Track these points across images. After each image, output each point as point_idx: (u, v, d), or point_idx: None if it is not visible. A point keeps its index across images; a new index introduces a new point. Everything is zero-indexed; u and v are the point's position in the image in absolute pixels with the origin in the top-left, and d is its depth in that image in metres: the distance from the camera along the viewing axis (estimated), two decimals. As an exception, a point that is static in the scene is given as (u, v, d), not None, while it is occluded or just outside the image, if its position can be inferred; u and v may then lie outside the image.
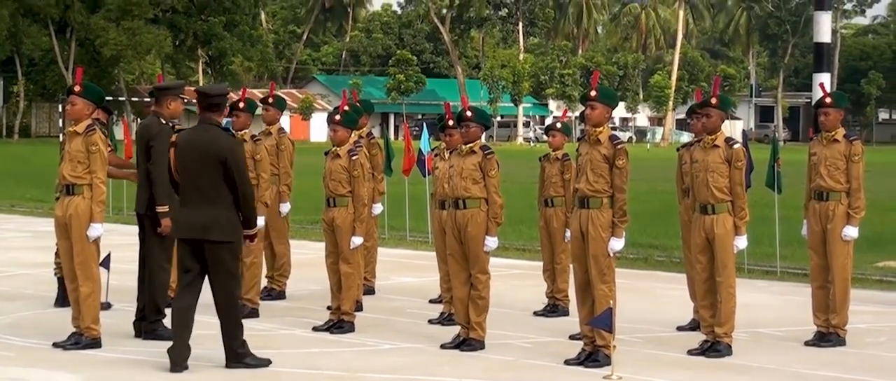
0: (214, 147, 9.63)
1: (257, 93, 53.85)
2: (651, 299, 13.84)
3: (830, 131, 11.05)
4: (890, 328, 12.04)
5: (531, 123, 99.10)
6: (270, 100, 13.37)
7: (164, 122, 10.94)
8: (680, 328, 11.75)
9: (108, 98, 23.59)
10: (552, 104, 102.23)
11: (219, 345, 9.79)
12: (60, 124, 60.35)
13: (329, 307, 11.88)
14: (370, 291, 13.63)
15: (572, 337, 10.92)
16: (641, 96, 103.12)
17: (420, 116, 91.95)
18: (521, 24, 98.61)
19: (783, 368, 9.98)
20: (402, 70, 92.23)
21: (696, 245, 10.56)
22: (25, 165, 44.81)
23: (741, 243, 10.43)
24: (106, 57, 79.22)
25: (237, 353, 9.71)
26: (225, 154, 9.61)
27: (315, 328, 11.54)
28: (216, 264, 9.67)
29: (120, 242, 16.13)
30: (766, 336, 11.42)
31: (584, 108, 10.13)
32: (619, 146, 9.90)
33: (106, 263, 11.87)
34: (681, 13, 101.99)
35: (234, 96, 12.56)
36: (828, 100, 11.06)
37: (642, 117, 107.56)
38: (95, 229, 10.26)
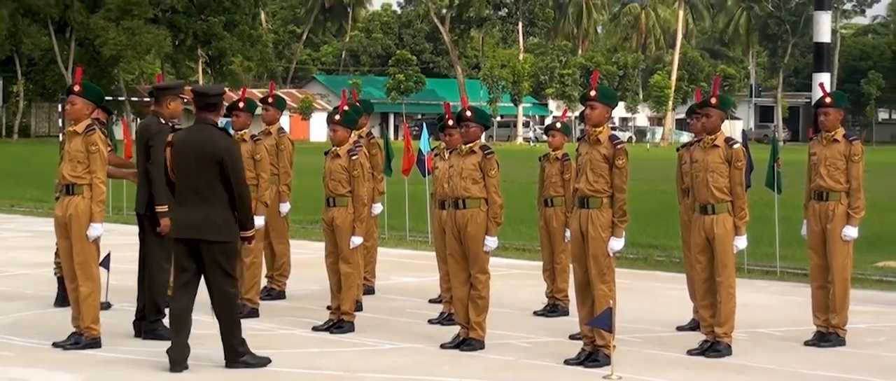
0: (211, 147, 9.62)
1: (257, 93, 53.82)
2: (651, 299, 13.84)
3: (830, 131, 11.05)
4: (889, 328, 12.04)
5: (531, 123, 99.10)
6: (270, 100, 13.37)
7: (163, 122, 10.94)
8: (680, 328, 11.75)
9: (107, 98, 23.63)
10: (552, 104, 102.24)
11: (218, 345, 9.79)
12: (60, 124, 60.35)
13: (329, 307, 11.88)
14: (370, 291, 13.63)
15: (572, 337, 10.92)
16: (641, 96, 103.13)
17: (420, 116, 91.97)
18: (520, 24, 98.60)
19: (783, 368, 9.98)
20: (401, 70, 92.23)
21: (695, 245, 10.56)
22: (25, 165, 44.80)
23: (741, 243, 10.42)
24: (105, 57, 79.22)
25: (236, 352, 9.71)
26: (221, 154, 9.60)
27: (315, 328, 11.54)
28: (213, 264, 9.66)
29: (120, 242, 16.13)
30: (766, 336, 11.42)
31: (583, 108, 10.13)
32: (618, 146, 9.90)
33: (106, 263, 11.87)
34: (680, 13, 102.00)
35: (233, 96, 12.57)
36: (827, 100, 11.06)
37: (642, 117, 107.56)
38: (95, 229, 10.26)
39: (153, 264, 11.00)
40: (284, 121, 36.76)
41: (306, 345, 10.86)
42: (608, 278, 9.94)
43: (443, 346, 10.69)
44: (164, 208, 10.69)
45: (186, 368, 9.55)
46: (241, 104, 12.54)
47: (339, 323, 11.46)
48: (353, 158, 11.44)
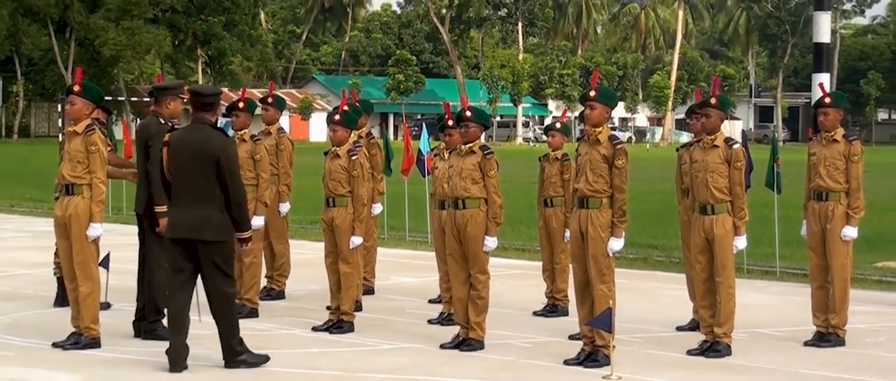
0: (207, 146, 9.62)
1: (257, 93, 53.82)
2: (650, 300, 13.84)
3: (830, 131, 11.05)
4: (889, 329, 12.04)
5: (530, 123, 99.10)
6: (270, 100, 13.37)
7: (163, 122, 10.93)
8: (679, 328, 11.75)
9: (107, 98, 23.61)
10: (551, 104, 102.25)
11: (218, 345, 9.78)
12: (60, 124, 60.34)
13: (328, 307, 11.88)
14: (369, 291, 13.62)
15: (572, 337, 10.92)
16: (641, 96, 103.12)
17: (419, 116, 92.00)
18: (520, 24, 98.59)
19: (782, 368, 9.98)
20: (401, 70, 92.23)
21: (695, 245, 10.56)
22: (25, 165, 44.80)
23: (740, 243, 10.43)
24: (105, 57, 79.25)
25: (235, 351, 9.71)
26: (218, 154, 9.60)
27: (314, 328, 11.54)
28: (209, 264, 9.66)
29: (119, 242, 16.13)
30: (766, 336, 11.42)
31: (583, 108, 10.13)
32: (618, 146, 9.91)
33: (105, 263, 11.87)
34: (680, 13, 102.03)
35: (233, 96, 12.56)
36: (827, 100, 11.06)
37: (642, 117, 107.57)
38: (95, 229, 10.26)
39: (153, 264, 10.99)
40: (284, 121, 36.74)
41: (306, 345, 10.86)
42: (608, 279, 9.95)
43: (442, 346, 10.69)
44: (164, 209, 10.67)
45: (186, 368, 9.55)
46: (240, 104, 12.54)
47: (338, 323, 11.46)
48: (353, 158, 11.44)
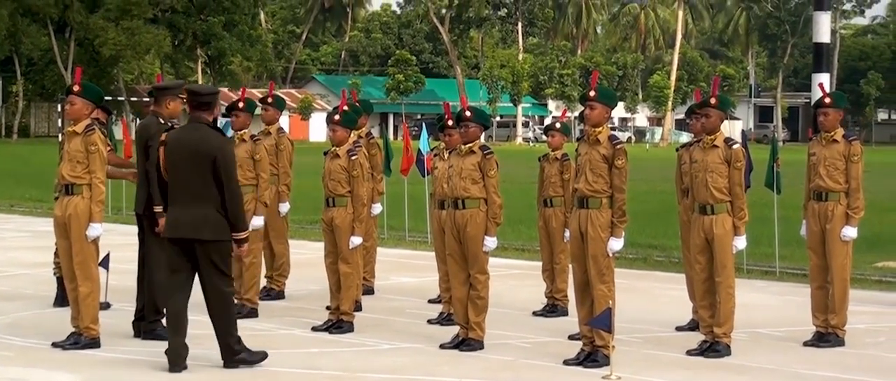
0: (205, 146, 9.62)
1: (256, 93, 53.85)
2: (650, 300, 13.84)
3: (829, 132, 11.05)
4: (889, 329, 12.04)
5: (530, 123, 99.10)
6: (269, 100, 13.37)
7: (162, 122, 10.93)
8: (679, 329, 11.75)
9: (107, 98, 23.62)
10: (551, 104, 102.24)
11: (217, 344, 9.78)
12: (59, 124, 60.35)
13: (328, 307, 11.88)
14: (369, 291, 13.62)
15: (571, 337, 10.92)
16: (640, 96, 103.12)
17: (419, 116, 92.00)
18: (520, 24, 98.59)
19: (782, 368, 9.98)
20: (401, 70, 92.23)
21: (695, 245, 10.56)
22: (25, 165, 44.80)
23: (740, 243, 10.42)
24: (105, 57, 79.24)
25: (233, 350, 9.71)
26: (215, 153, 9.59)
27: (314, 328, 11.54)
28: (207, 263, 9.65)
29: (119, 242, 16.14)
30: (765, 337, 11.42)
31: (583, 108, 10.13)
32: (618, 146, 9.91)
33: (105, 263, 11.87)
34: (680, 13, 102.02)
35: (233, 96, 12.55)
36: (827, 100, 11.07)
37: (641, 117, 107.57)
38: (94, 229, 10.26)
39: (152, 264, 10.99)
40: (284, 121, 36.70)
41: (305, 345, 10.86)
42: (607, 279, 9.95)
43: (442, 346, 10.69)
44: (161, 209, 10.68)
45: (185, 368, 9.55)
46: (240, 104, 12.54)
47: (338, 323, 11.46)
48: (353, 158, 11.44)
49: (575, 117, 52.81)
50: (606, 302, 9.77)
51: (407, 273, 15.94)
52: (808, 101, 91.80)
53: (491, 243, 10.57)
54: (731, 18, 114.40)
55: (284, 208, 13.36)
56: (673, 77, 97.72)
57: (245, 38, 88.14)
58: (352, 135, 11.95)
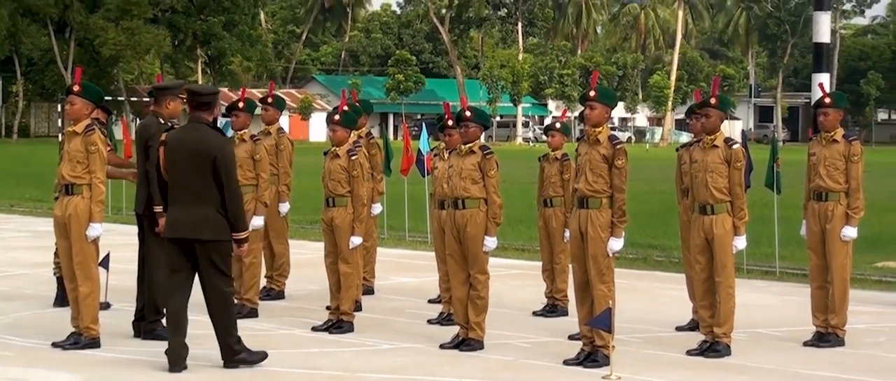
0: (205, 146, 9.62)
1: (256, 93, 53.84)
2: (650, 300, 13.84)
3: (829, 132, 11.05)
4: (889, 329, 12.04)
5: (530, 123, 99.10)
6: (269, 100, 13.37)
7: (162, 122, 10.93)
8: (679, 329, 11.75)
9: (107, 98, 23.61)
10: (551, 104, 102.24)
11: (217, 344, 9.78)
12: (59, 124, 60.37)
13: (328, 307, 11.88)
14: (369, 291, 13.62)
15: (571, 337, 10.92)
16: (640, 96, 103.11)
17: (419, 116, 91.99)
18: (520, 24, 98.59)
19: (782, 368, 9.98)
20: (401, 70, 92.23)
21: (695, 245, 10.56)
22: (25, 165, 44.80)
23: (740, 243, 10.42)
24: (105, 57, 79.24)
25: (233, 349, 9.71)
26: (215, 153, 9.59)
27: (314, 328, 11.54)
28: (207, 263, 9.65)
29: (119, 242, 16.14)
30: (765, 337, 11.42)
31: (583, 108, 10.13)
32: (618, 146, 9.91)
33: (105, 263, 11.87)
34: (680, 13, 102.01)
35: (233, 96, 12.56)
36: (827, 100, 11.07)
37: (641, 117, 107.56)
38: (94, 229, 10.26)
39: (152, 264, 10.99)
40: (284, 121, 36.69)
41: (305, 345, 10.86)
42: (607, 279, 9.95)
43: (442, 346, 10.69)
44: (161, 209, 10.68)
45: (185, 368, 9.55)
46: (240, 104, 12.54)
47: (338, 323, 11.46)
48: (353, 158, 11.44)
49: (575, 117, 52.81)
50: (606, 302, 9.77)
51: (407, 273, 15.94)
52: (808, 101, 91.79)
53: (491, 243, 10.57)
54: (731, 18, 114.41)
55: (284, 208, 13.36)
56: (673, 77, 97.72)
57: (245, 38, 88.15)
58: (352, 135, 11.95)
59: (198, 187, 9.60)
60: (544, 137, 13.17)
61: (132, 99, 79.16)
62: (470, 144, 10.57)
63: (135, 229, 11.51)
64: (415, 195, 21.06)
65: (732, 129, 72.55)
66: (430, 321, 12.01)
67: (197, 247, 9.63)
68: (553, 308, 12.59)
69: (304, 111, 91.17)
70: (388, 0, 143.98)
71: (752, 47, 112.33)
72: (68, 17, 79.75)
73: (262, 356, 9.81)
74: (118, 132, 43.31)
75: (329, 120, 11.71)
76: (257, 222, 12.26)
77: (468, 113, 10.58)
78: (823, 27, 62.91)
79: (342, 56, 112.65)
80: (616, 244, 9.92)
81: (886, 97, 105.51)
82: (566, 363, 9.99)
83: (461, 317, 10.66)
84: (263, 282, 13.28)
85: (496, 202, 10.51)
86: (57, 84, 79.61)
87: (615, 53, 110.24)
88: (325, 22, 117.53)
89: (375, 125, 74.45)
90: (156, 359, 9.80)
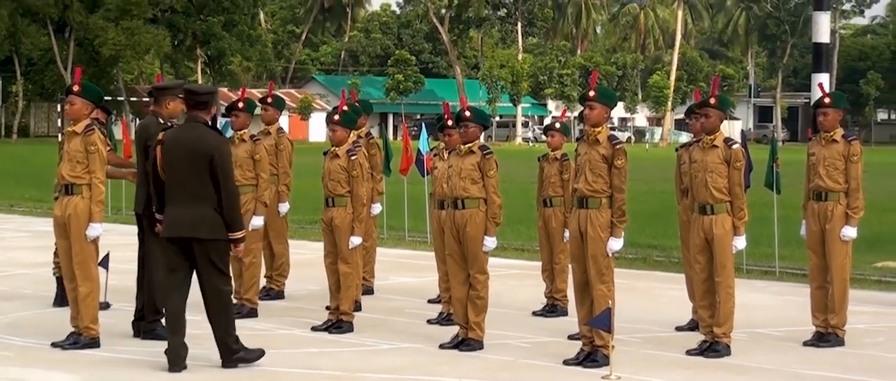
0: (202, 145, 9.62)
1: (256, 93, 53.82)
2: (650, 300, 13.84)
3: (829, 132, 11.05)
4: (888, 329, 12.04)
5: (530, 123, 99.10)
6: (269, 100, 13.37)
7: (162, 122, 10.93)
8: (679, 329, 11.75)
9: (106, 98, 23.61)
10: (551, 104, 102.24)
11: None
12: (59, 124, 60.29)
13: (328, 307, 11.88)
14: (369, 291, 13.62)
15: (571, 337, 10.92)
16: (640, 96, 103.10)
17: (419, 116, 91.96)
18: (519, 25, 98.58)
19: (782, 368, 9.98)
20: (400, 70, 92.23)
21: (694, 245, 10.56)
22: (24, 164, 44.79)
23: (740, 243, 10.42)
24: (105, 57, 79.25)
25: (231, 349, 9.71)
26: (212, 152, 9.60)
27: (314, 328, 11.54)
28: (205, 262, 9.65)
29: (119, 241, 16.14)
30: (765, 336, 11.42)
31: (582, 108, 10.13)
32: (617, 146, 9.91)
33: (105, 262, 11.87)
34: (679, 13, 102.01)
35: (233, 96, 12.56)
36: (826, 100, 11.07)
37: (641, 117, 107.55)
38: (94, 229, 10.26)
39: (152, 264, 10.99)
40: (283, 121, 36.66)
41: (305, 345, 10.86)
42: (607, 279, 9.95)
43: (442, 346, 10.69)
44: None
45: (185, 367, 9.55)
46: (240, 104, 12.54)
47: (337, 323, 11.46)
48: (352, 158, 11.44)
49: (574, 117, 52.81)
50: (606, 302, 9.77)
51: (406, 273, 15.95)
52: (807, 101, 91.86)
53: (490, 243, 10.57)
54: (731, 18, 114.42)
55: (284, 208, 13.36)
56: (672, 77, 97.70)
57: (245, 38, 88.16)
58: (351, 135, 11.95)
59: (195, 187, 9.60)
60: (544, 137, 13.17)
61: (132, 99, 79.15)
62: (469, 144, 10.57)
63: (134, 228, 11.51)
64: (414, 195, 21.06)
65: (732, 129, 72.53)
66: (429, 321, 12.01)
67: (195, 246, 9.63)
68: (553, 308, 12.59)
69: (304, 111, 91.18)
70: (387, 0, 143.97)
71: (752, 47, 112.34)
72: (68, 17, 79.76)
73: (260, 353, 9.81)
74: (118, 132, 43.29)
75: (329, 120, 11.71)
76: (257, 221, 12.26)
77: (468, 113, 10.58)
78: (823, 27, 63.03)
79: (342, 56, 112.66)
80: (616, 244, 9.92)
81: (886, 97, 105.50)
82: (566, 363, 9.99)
83: (461, 317, 10.66)
84: (263, 282, 13.28)
85: (496, 202, 10.51)
86: (57, 84, 79.60)
87: (615, 53, 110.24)
88: (324, 22, 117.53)
89: (375, 125, 74.43)
90: (155, 359, 9.80)
